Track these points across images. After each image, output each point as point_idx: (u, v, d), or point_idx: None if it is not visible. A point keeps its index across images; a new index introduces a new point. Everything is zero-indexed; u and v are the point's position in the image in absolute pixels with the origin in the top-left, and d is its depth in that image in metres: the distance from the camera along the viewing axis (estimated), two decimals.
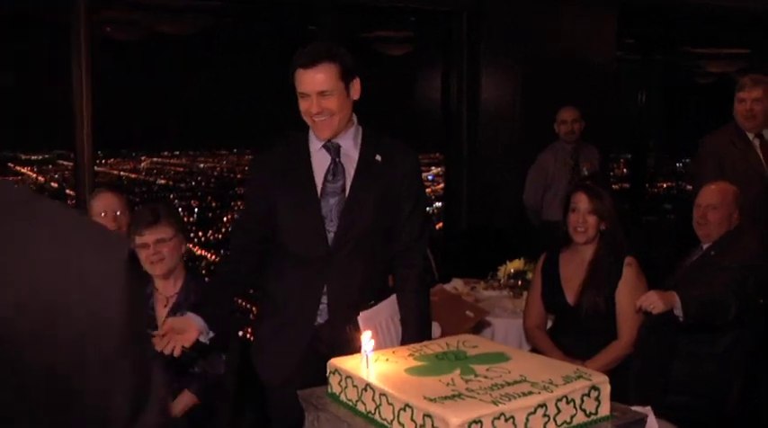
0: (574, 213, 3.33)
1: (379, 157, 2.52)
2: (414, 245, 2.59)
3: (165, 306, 3.02)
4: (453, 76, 6.31)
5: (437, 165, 7.44)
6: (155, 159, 9.59)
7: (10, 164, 8.93)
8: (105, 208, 3.48)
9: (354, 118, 2.55)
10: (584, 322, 3.30)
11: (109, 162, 9.12)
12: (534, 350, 3.40)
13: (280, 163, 2.54)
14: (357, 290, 2.50)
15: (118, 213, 3.48)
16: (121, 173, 9.39)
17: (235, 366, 2.96)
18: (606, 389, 1.68)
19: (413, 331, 2.52)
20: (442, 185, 7.02)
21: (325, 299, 2.50)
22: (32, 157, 9.05)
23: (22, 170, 9.06)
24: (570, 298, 3.35)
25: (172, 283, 3.04)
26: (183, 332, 2.34)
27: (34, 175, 9.08)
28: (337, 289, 2.50)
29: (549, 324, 3.53)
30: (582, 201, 3.30)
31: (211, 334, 2.41)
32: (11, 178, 8.95)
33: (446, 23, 6.33)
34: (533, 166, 5.63)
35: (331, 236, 2.47)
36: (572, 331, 3.34)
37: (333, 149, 2.51)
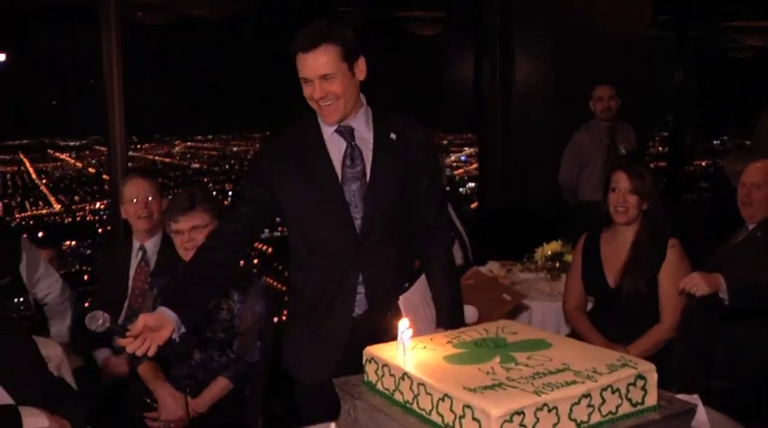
0: (614, 193, 3.25)
1: (393, 136, 2.41)
2: (435, 222, 2.51)
3: None
4: (486, 56, 6.25)
5: (470, 146, 7.37)
6: (188, 143, 9.67)
7: (50, 150, 9.08)
8: (137, 194, 3.48)
9: (363, 98, 2.42)
10: (626, 305, 3.22)
11: (144, 147, 9.22)
12: (573, 333, 3.35)
13: (292, 149, 2.41)
14: (392, 275, 2.42)
15: (149, 199, 3.48)
16: (156, 157, 9.49)
17: (269, 353, 2.94)
18: (653, 378, 1.60)
19: (445, 310, 2.47)
20: (475, 166, 6.96)
21: (361, 289, 2.39)
22: (71, 143, 9.17)
23: (61, 156, 9.20)
24: (611, 279, 3.27)
25: None
26: (158, 329, 2.18)
27: (72, 161, 9.21)
28: (373, 277, 2.39)
29: (590, 306, 3.45)
30: (622, 181, 3.22)
31: (183, 330, 2.27)
32: (50, 164, 9.11)
33: (478, 2, 6.23)
34: (568, 145, 5.53)
35: (358, 223, 2.36)
36: (613, 314, 3.27)
37: (346, 133, 2.38)
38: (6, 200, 8.66)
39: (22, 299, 3.21)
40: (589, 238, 3.42)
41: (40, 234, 8.14)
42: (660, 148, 8.51)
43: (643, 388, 1.59)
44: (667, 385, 1.73)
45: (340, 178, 2.36)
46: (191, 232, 2.91)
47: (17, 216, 8.61)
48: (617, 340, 3.12)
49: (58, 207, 8.87)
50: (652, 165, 7.86)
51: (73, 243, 8.42)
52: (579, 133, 5.51)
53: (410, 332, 1.76)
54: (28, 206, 8.82)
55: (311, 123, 2.41)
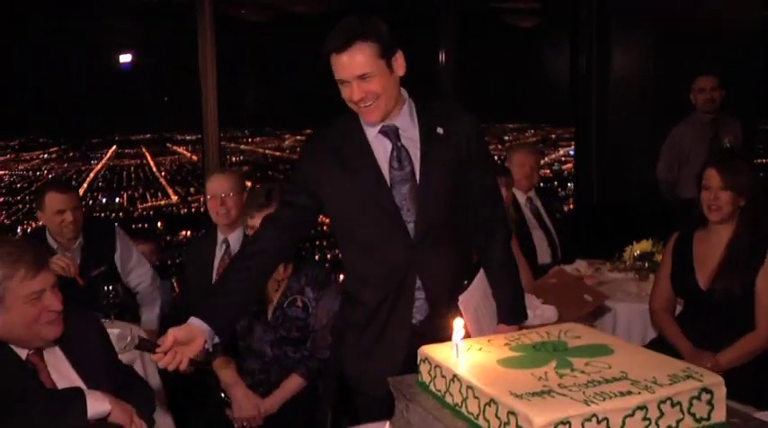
0: (706, 191, 3.06)
1: (440, 130, 2.27)
2: (492, 214, 2.39)
3: (277, 290, 3.02)
4: (582, 48, 6.10)
5: (566, 141, 7.18)
6: (298, 137, 9.81)
7: (168, 144, 9.44)
8: (214, 191, 3.54)
9: (404, 93, 2.29)
10: (717, 309, 3.01)
11: (255, 140, 9.43)
12: (660, 336, 3.18)
13: (335, 152, 2.28)
14: (451, 276, 2.32)
15: (226, 195, 3.52)
16: (266, 151, 9.69)
17: (340, 350, 2.90)
18: (721, 392, 1.47)
19: (505, 306, 2.38)
20: (571, 164, 6.79)
21: (420, 294, 2.29)
22: (187, 137, 9.50)
23: (178, 149, 9.54)
24: (702, 282, 3.07)
25: (282, 267, 2.98)
26: (188, 342, 2.08)
27: (188, 154, 9.54)
28: (431, 280, 2.28)
29: (679, 309, 3.26)
30: (713, 177, 3.02)
31: (217, 340, 2.18)
32: (168, 157, 9.49)
33: None
34: (668, 140, 5.28)
35: (411, 226, 2.24)
36: (703, 318, 3.06)
37: (391, 133, 2.26)
38: (130, 192, 9.07)
39: (111, 287, 3.31)
40: (681, 237, 3.22)
41: (159, 224, 8.45)
42: None
43: (709, 403, 1.47)
44: (759, 399, 1.59)
45: (388, 182, 2.25)
46: None
47: (139, 206, 9.00)
48: (706, 346, 2.93)
49: (175, 198, 9.20)
50: (764, 161, 7.42)
51: (188, 233, 8.70)
52: (679, 127, 5.25)
53: (462, 332, 1.69)
54: (148, 197, 9.20)
55: (353, 125, 2.29)
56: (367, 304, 2.32)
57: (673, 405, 1.43)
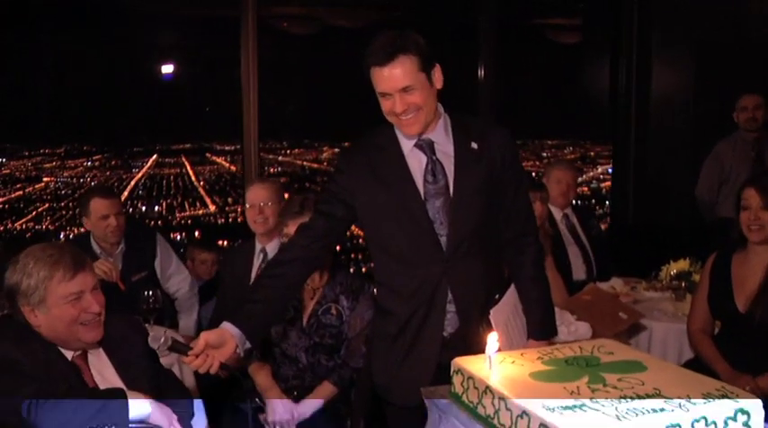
0: (746, 211, 3.03)
1: (474, 145, 2.29)
2: (524, 229, 2.40)
3: (312, 298, 3.05)
4: (622, 65, 6.11)
5: (605, 158, 7.13)
6: (335, 150, 9.87)
7: (207, 154, 9.56)
8: (253, 200, 3.59)
9: (440, 107, 2.31)
10: (757, 332, 2.97)
11: (293, 152, 9.51)
12: (697, 357, 3.14)
13: (371, 164, 2.32)
14: (482, 290, 2.33)
15: (265, 204, 3.56)
16: (304, 163, 9.77)
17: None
18: (758, 414, 1.44)
19: (535, 322, 2.39)
20: (609, 183, 6.75)
21: (451, 308, 2.31)
22: (226, 148, 9.62)
23: (217, 160, 9.66)
24: (741, 304, 3.04)
25: (318, 275, 3.02)
26: (220, 346, 2.14)
27: (227, 165, 9.65)
28: (463, 294, 2.30)
29: (717, 330, 3.22)
30: (752, 197, 3.00)
31: (248, 345, 2.22)
32: (207, 167, 9.63)
33: (616, 10, 6.09)
34: (708, 158, 5.25)
35: (443, 240, 2.27)
36: (741, 341, 3.02)
37: (427, 147, 2.29)
38: (169, 200, 9.20)
39: (151, 292, 3.37)
40: (719, 258, 3.18)
41: (197, 233, 8.54)
42: None
43: (746, 425, 1.44)
44: None
45: (422, 195, 2.27)
46: None
47: (178, 215, 9.13)
48: (744, 369, 2.89)
49: (212, 208, 9.31)
50: None
51: (225, 243, 8.79)
52: (721, 145, 5.22)
53: (496, 345, 1.70)
54: (187, 206, 9.32)
55: (389, 137, 2.32)
56: (398, 315, 2.34)
57: (707, 425, 1.40)
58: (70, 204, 9.08)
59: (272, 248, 3.58)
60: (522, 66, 6.57)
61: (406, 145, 2.30)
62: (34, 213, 8.83)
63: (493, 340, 1.71)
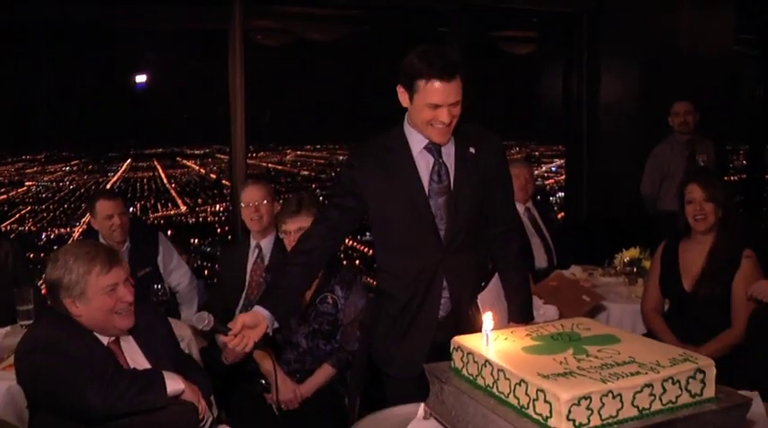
0: (690, 204, 3.25)
1: (472, 150, 2.43)
2: (509, 225, 2.54)
3: (310, 288, 3.10)
4: (574, 74, 6.26)
5: (560, 157, 7.31)
6: (299, 152, 9.91)
7: (178, 158, 9.55)
8: (250, 199, 3.66)
9: None
10: (700, 309, 3.21)
11: (259, 155, 9.53)
12: (650, 332, 3.35)
13: (382, 162, 2.42)
14: (472, 279, 2.48)
15: (260, 203, 3.64)
16: (269, 165, 9.80)
17: (367, 344, 3.01)
18: (711, 372, 1.63)
19: (516, 307, 2.51)
20: (564, 177, 6.91)
21: (445, 294, 2.45)
22: (196, 152, 9.61)
23: (188, 163, 9.65)
24: (687, 285, 3.27)
25: None
26: (253, 326, 2.27)
27: (197, 168, 9.65)
28: (457, 283, 2.44)
29: (666, 308, 3.44)
30: (695, 191, 3.22)
31: (276, 325, 2.34)
32: (179, 170, 9.62)
33: (568, 24, 6.27)
34: (650, 158, 5.49)
35: (442, 233, 2.40)
36: (687, 317, 3.26)
37: (435, 150, 2.41)
38: (143, 202, 9.17)
39: (160, 286, 3.47)
40: (668, 245, 3.41)
41: (169, 232, 8.54)
42: (744, 162, 8.20)
43: (702, 381, 1.62)
44: (732, 383, 1.75)
45: (427, 192, 2.40)
46: (297, 233, 2.95)
47: (151, 215, 9.10)
48: (689, 341, 3.09)
49: (184, 208, 9.30)
50: (735, 178, 7.64)
51: (195, 241, 8.80)
52: (660, 146, 5.47)
53: (492, 324, 1.84)
54: (159, 207, 9.30)
55: (400, 139, 2.43)
56: (399, 298, 2.48)
57: (673, 383, 1.57)
58: (50, 206, 9.00)
59: (266, 244, 3.69)
60: (480, 75, 6.70)
61: (416, 147, 2.42)
62: (17, 215, 8.73)
63: (488, 319, 1.84)
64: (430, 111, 2.30)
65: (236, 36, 5.13)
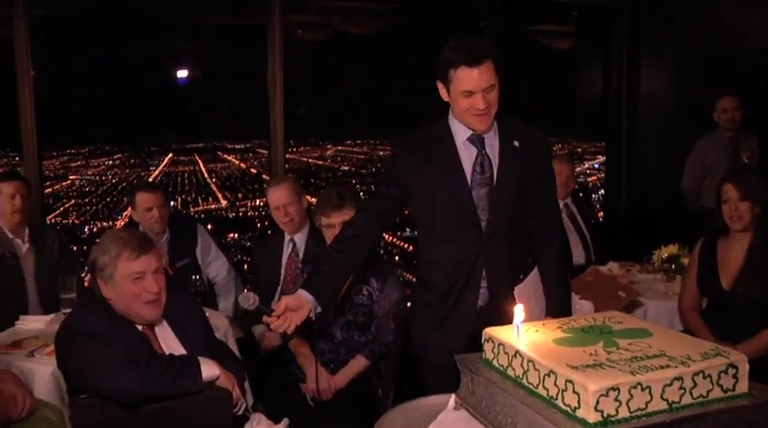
0: (726, 204, 3.23)
1: (516, 143, 2.45)
2: (551, 218, 2.56)
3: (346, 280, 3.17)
4: (614, 69, 6.20)
5: (603, 154, 7.22)
6: (339, 147, 9.93)
7: (219, 152, 9.65)
8: (275, 202, 3.67)
9: None
10: (738, 307, 3.17)
11: (299, 150, 9.59)
12: (686, 330, 3.31)
13: (426, 153, 2.45)
14: (511, 270, 2.49)
15: (288, 204, 3.64)
16: (310, 160, 9.85)
17: (401, 335, 3.06)
18: (744, 368, 1.61)
19: (554, 300, 2.51)
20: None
21: (484, 284, 2.47)
22: (236, 146, 9.70)
23: (228, 157, 9.75)
24: (725, 283, 3.24)
25: None
26: (297, 309, 2.31)
27: (237, 162, 9.74)
28: (495, 274, 2.46)
29: (704, 306, 3.41)
30: (730, 191, 3.20)
31: (319, 310, 2.37)
32: (219, 164, 9.72)
33: (607, 18, 6.21)
34: (692, 154, 5.40)
35: (484, 224, 2.42)
36: (724, 315, 3.22)
37: (478, 142, 2.43)
38: (184, 196, 9.29)
39: (197, 277, 3.54)
40: (706, 243, 3.38)
41: (209, 226, 8.63)
42: None
43: (734, 377, 1.60)
44: None
45: (470, 183, 2.42)
46: (341, 226, 2.93)
47: (192, 209, 9.22)
48: (726, 340, 3.03)
49: (224, 203, 9.39)
50: None
51: (235, 235, 8.89)
52: (702, 142, 5.37)
53: (523, 316, 1.85)
54: (200, 201, 9.42)
55: (444, 130, 2.46)
56: (439, 287, 2.50)
57: (704, 377, 1.56)
58: (93, 200, 9.18)
59: (299, 238, 3.72)
60: (519, 69, 6.67)
61: (459, 138, 2.44)
62: (61, 208, 8.92)
63: (519, 311, 1.85)
64: (465, 99, 2.33)
65: (275, 31, 5.19)
